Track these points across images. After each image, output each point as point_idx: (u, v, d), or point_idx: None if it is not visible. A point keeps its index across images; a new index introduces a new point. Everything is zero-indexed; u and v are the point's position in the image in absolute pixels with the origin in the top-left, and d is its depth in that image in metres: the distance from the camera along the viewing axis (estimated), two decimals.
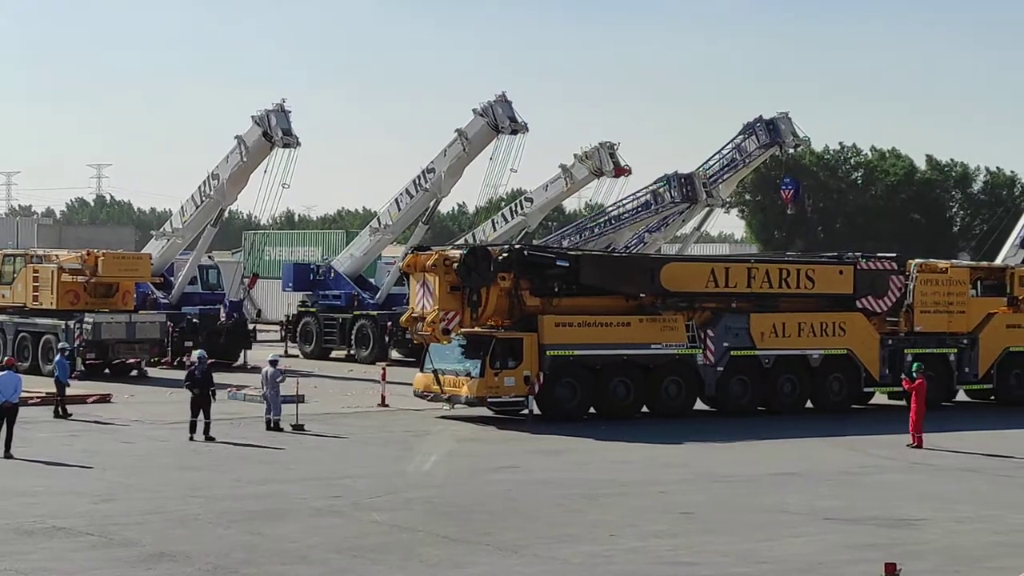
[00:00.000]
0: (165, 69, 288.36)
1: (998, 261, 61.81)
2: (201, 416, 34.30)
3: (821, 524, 24.06)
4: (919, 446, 34.07)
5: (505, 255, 39.21)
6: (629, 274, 40.93)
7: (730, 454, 33.60)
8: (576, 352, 38.73)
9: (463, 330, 38.91)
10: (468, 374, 38.25)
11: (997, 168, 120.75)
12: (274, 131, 54.31)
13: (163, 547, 21.24)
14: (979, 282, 46.25)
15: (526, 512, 24.84)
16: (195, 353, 36.82)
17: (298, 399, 37.88)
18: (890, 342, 42.96)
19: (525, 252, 40.06)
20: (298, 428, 35.82)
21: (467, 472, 29.73)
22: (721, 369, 40.53)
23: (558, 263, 39.67)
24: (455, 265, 38.38)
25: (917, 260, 45.05)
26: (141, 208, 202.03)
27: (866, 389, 42.88)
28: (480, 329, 39.06)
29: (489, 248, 40.23)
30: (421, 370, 40.33)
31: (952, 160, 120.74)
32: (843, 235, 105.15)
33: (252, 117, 55.21)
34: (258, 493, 26.45)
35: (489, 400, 38.36)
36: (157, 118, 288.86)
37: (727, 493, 27.44)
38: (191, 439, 33.84)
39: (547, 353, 38.31)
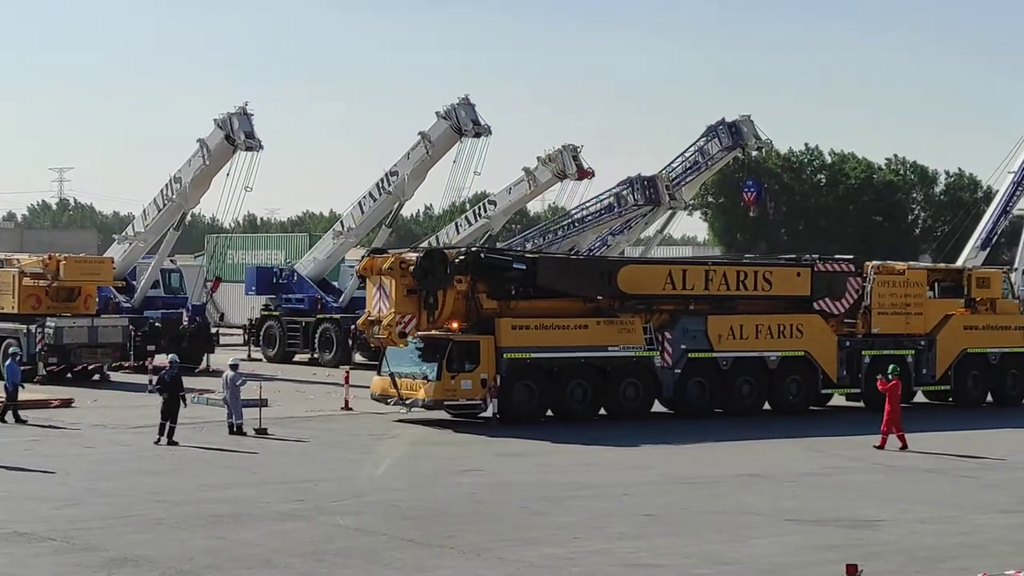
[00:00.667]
0: (127, 71, 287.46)
1: (959, 262, 62.20)
2: (169, 420, 34.22)
3: (784, 525, 24.14)
4: (904, 447, 34.01)
5: (461, 258, 39.18)
6: (586, 276, 40.93)
7: (693, 456, 33.69)
8: (533, 354, 38.74)
9: (420, 333, 38.78)
10: (425, 377, 38.18)
11: (959, 170, 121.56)
12: (236, 134, 54.16)
13: (126, 552, 21.15)
14: (937, 284, 46.43)
15: (490, 515, 24.86)
16: (166, 357, 36.73)
17: (261, 403, 37.80)
18: (847, 344, 43.12)
19: (482, 255, 40.05)
20: (261, 432, 35.75)
21: (430, 475, 29.71)
22: (679, 371, 40.60)
23: (515, 266, 39.64)
24: (411, 268, 38.28)
25: (875, 262, 45.25)
26: (103, 212, 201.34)
27: (824, 391, 43.04)
28: (437, 332, 38.95)
29: (445, 251, 40.19)
30: (378, 373, 40.28)
31: (915, 162, 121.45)
32: (806, 237, 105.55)
33: (214, 120, 55.05)
34: (221, 497, 26.38)
35: (446, 403, 38.28)
36: (119, 121, 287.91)
37: (690, 495, 27.50)
38: (157, 442, 33.74)
39: (504, 356, 38.31)
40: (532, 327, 38.93)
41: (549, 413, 39.37)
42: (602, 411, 40.01)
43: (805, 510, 25.67)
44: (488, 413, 38.17)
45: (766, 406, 42.15)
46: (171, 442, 33.79)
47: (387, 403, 39.64)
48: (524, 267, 39.65)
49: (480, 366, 38.10)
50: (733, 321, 41.47)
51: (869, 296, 43.59)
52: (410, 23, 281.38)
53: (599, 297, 40.37)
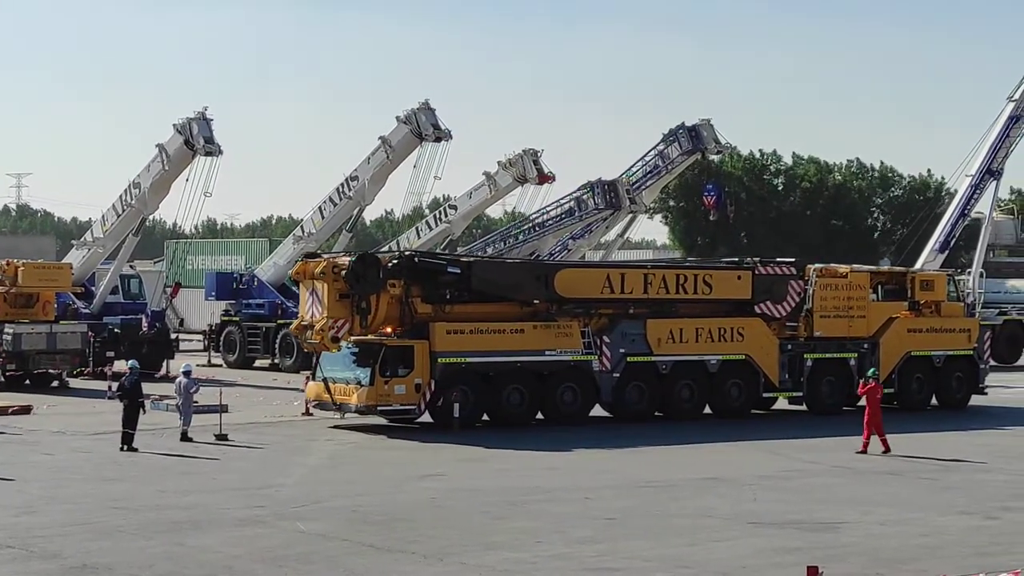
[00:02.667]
0: (86, 76, 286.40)
1: (918, 265, 62.44)
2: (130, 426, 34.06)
3: (745, 528, 24.18)
4: (886, 450, 34.00)
5: (395, 262, 38.87)
6: (522, 280, 40.50)
7: (652, 460, 33.70)
8: (468, 359, 38.45)
9: (353, 338, 38.52)
10: (359, 383, 37.85)
11: (922, 173, 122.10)
12: (196, 139, 54.02)
13: (85, 559, 21.04)
14: (880, 286, 46.23)
15: (451, 520, 24.81)
16: (126, 364, 36.55)
17: (221, 409, 37.64)
18: (789, 347, 42.90)
19: (416, 259, 39.69)
20: (221, 438, 35.59)
21: (391, 480, 29.64)
22: (617, 375, 40.34)
23: (449, 270, 39.31)
24: (343, 272, 38.00)
25: (817, 265, 45.02)
26: (62, 217, 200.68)
27: (766, 394, 42.73)
28: (372, 337, 38.69)
29: (378, 255, 39.93)
30: (313, 379, 39.94)
31: (870, 164, 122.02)
32: (766, 241, 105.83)
33: (174, 125, 54.93)
34: (181, 504, 26.26)
35: (380, 408, 37.95)
36: (78, 126, 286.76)
37: (651, 498, 27.52)
38: (123, 450, 33.57)
39: (439, 360, 38.02)
40: (467, 331, 38.59)
41: (485, 418, 39.09)
42: (540, 415, 39.76)
43: (766, 513, 25.71)
44: (455, 418, 38.03)
45: (707, 410, 41.91)
46: (130, 448, 33.63)
47: (326, 409, 39.35)
48: (459, 271, 39.29)
49: (414, 371, 37.76)
50: (673, 325, 41.17)
51: (811, 299, 43.30)
52: (370, 27, 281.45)
53: (536, 301, 40.10)
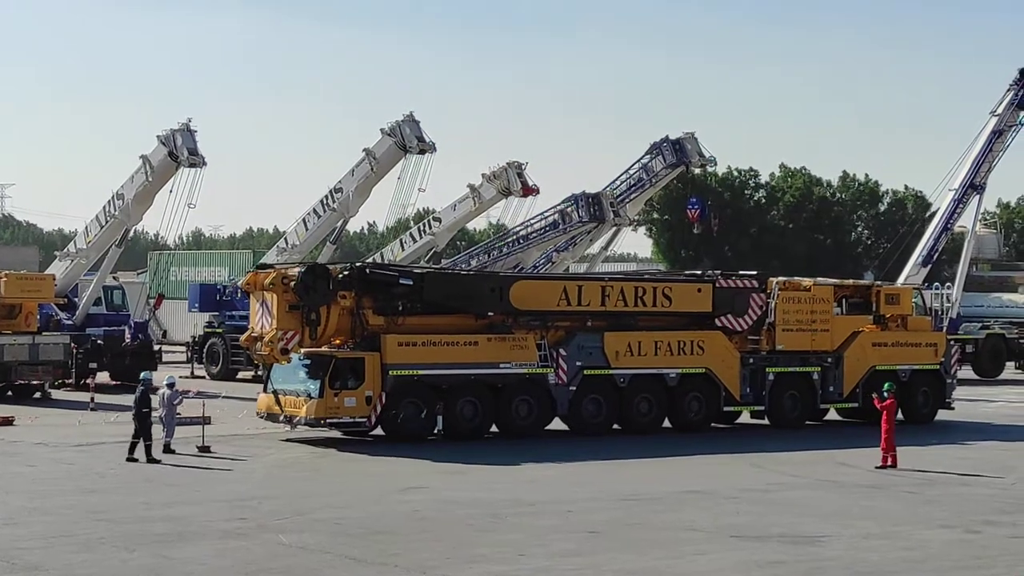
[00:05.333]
0: (69, 86, 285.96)
1: (901, 280, 62.56)
2: (142, 438, 34.25)
3: (726, 541, 24.20)
4: (894, 465, 33.90)
5: (345, 273, 38.60)
6: (476, 292, 40.15)
7: (633, 473, 33.67)
8: (421, 371, 38.18)
9: (304, 350, 38.32)
10: (309, 395, 37.61)
11: (905, 187, 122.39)
12: (180, 150, 54.00)
13: (67, 572, 21.01)
14: (844, 300, 45.82)
15: (433, 532, 24.80)
16: (143, 375, 36.57)
17: (204, 421, 37.58)
18: (751, 360, 42.60)
19: (367, 270, 39.45)
20: (204, 450, 35.54)
21: (373, 493, 29.62)
22: (574, 388, 40.03)
23: (402, 281, 39.00)
24: (293, 284, 37.73)
25: (780, 278, 44.65)
26: (45, 229, 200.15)
27: (727, 408, 42.34)
28: (326, 348, 38.47)
29: (328, 266, 39.68)
30: (264, 391, 39.63)
31: (854, 176, 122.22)
32: (750, 255, 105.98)
33: (157, 136, 54.91)
34: (164, 516, 26.21)
35: (329, 421, 37.58)
36: (61, 137, 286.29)
37: (634, 511, 27.51)
38: (151, 461, 33.77)
39: (390, 373, 37.79)
40: (420, 344, 38.27)
41: (439, 430, 38.73)
42: (494, 428, 39.49)
43: (747, 526, 25.73)
44: (437, 429, 37.91)
45: (666, 423, 41.60)
46: (150, 459, 33.77)
47: (276, 421, 39.05)
48: (411, 282, 39.02)
49: (365, 383, 37.51)
50: (631, 338, 40.90)
51: (773, 312, 43.00)
52: (355, 39, 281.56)
53: (490, 313, 39.85)
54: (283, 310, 37.72)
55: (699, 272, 45.28)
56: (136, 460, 33.77)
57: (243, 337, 40.33)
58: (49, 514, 26.35)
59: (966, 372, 65.06)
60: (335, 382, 37.38)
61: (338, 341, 38.62)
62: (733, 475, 33.12)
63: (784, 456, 36.42)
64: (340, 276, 38.38)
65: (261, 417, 39.63)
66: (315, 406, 37.24)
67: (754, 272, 44.93)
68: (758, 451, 37.49)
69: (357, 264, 40.43)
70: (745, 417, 43.66)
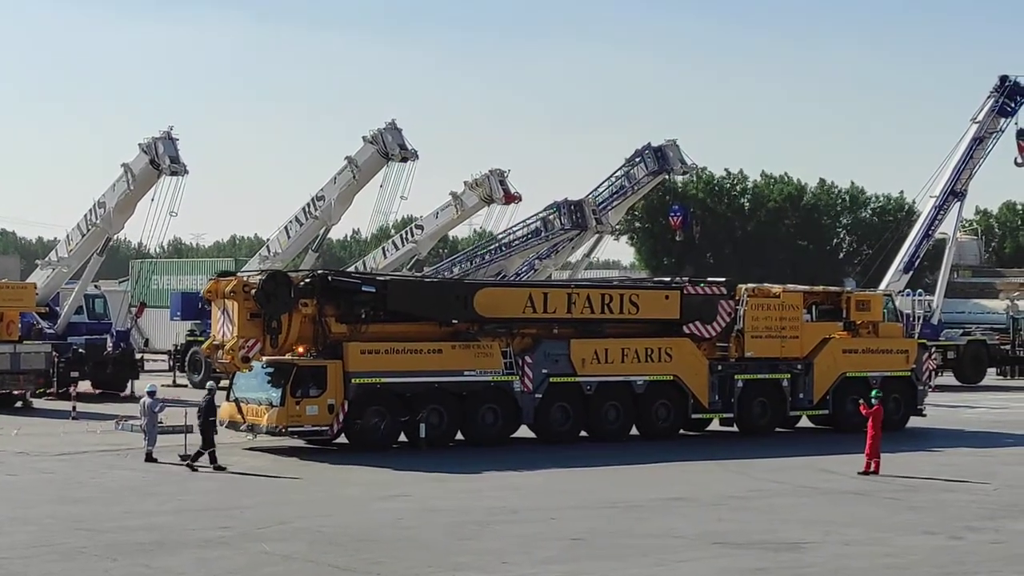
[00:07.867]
0: (50, 95, 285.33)
1: (882, 286, 62.73)
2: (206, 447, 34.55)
3: (710, 548, 24.19)
4: (876, 471, 33.86)
5: (307, 281, 38.46)
6: (440, 300, 39.99)
7: (616, 480, 33.64)
8: (384, 379, 37.96)
9: (266, 358, 38.16)
10: (270, 403, 37.41)
11: (890, 194, 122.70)
12: (161, 159, 53.96)
13: None
14: (814, 306, 45.58)
15: (417, 540, 24.76)
16: (209, 385, 36.58)
17: (186, 429, 37.46)
18: (720, 368, 42.40)
19: (329, 278, 39.25)
20: (186, 459, 35.40)
21: (354, 501, 29.56)
22: (540, 396, 39.88)
23: (364, 288, 38.84)
24: (253, 292, 37.53)
25: (749, 285, 44.50)
26: (26, 237, 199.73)
27: (695, 415, 42.22)
28: (289, 356, 38.24)
29: (290, 274, 39.53)
30: (227, 399, 39.23)
31: (833, 183, 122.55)
32: (732, 261, 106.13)
33: (139, 145, 54.85)
34: (146, 525, 26.12)
35: (291, 429, 37.42)
36: (42, 146, 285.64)
37: (617, 519, 27.48)
38: (218, 467, 34.08)
39: (352, 381, 37.59)
40: (383, 351, 38.08)
41: (403, 439, 38.64)
42: (460, 436, 39.29)
43: (731, 533, 25.74)
44: (421, 438, 37.93)
45: (634, 431, 41.45)
46: (216, 467, 34.03)
47: (235, 429, 38.82)
48: (374, 290, 38.84)
49: (327, 391, 37.32)
50: (598, 345, 40.75)
51: (742, 319, 42.82)
52: (337, 46, 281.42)
53: (454, 321, 39.65)
54: (244, 318, 37.52)
55: (667, 279, 45.07)
56: (195, 469, 33.84)
57: (204, 346, 40.12)
58: (30, 524, 26.23)
59: (947, 378, 65.36)
60: (297, 390, 37.18)
61: (300, 349, 38.41)
62: (714, 482, 33.09)
63: (762, 463, 36.38)
64: (302, 284, 38.23)
65: (223, 426, 39.45)
66: (276, 414, 37.07)
67: (723, 279, 44.79)
68: (736, 458, 37.43)
69: (319, 272, 40.11)
70: (714, 424, 43.58)
